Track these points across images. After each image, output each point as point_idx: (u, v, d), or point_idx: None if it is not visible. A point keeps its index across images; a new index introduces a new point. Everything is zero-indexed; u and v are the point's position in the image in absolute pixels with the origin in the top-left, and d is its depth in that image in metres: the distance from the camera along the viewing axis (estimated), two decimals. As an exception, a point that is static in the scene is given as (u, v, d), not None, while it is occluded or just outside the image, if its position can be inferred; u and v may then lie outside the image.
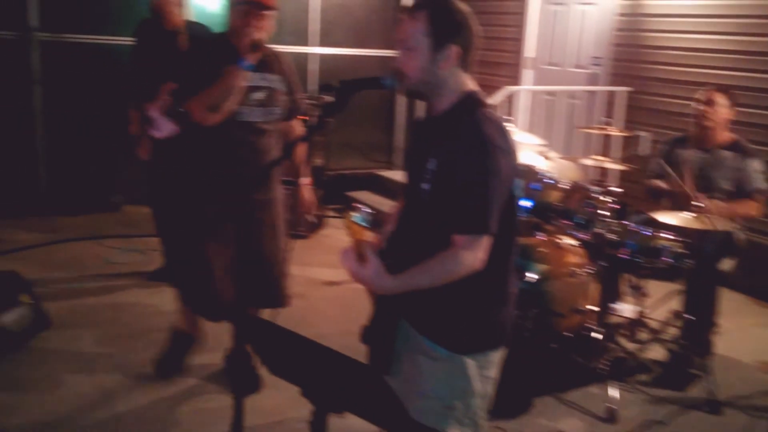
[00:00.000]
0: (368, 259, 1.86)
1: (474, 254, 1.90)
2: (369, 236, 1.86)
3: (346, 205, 6.89)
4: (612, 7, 6.11)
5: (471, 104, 1.99)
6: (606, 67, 6.22)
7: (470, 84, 2.03)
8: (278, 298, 3.38)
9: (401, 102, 7.75)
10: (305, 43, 7.19)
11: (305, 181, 3.49)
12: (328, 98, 2.23)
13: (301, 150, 3.48)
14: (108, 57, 6.28)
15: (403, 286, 1.90)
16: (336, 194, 6.88)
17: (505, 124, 2.01)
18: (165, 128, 4.21)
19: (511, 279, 2.10)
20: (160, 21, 4.53)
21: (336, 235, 6.18)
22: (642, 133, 5.57)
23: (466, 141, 1.91)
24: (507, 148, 1.94)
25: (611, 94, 6.03)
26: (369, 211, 1.77)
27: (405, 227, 2.14)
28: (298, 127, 3.46)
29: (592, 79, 6.33)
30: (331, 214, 6.61)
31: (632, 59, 5.98)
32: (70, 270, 4.98)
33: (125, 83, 4.76)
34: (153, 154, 4.45)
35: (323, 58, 7.25)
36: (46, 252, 5.31)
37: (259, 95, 3.16)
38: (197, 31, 4.47)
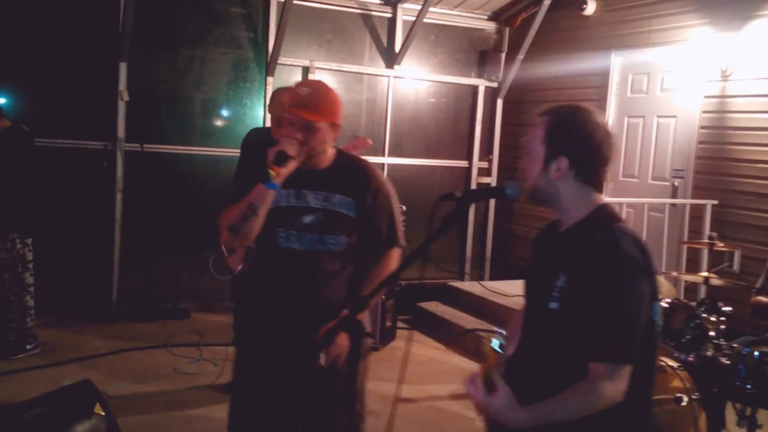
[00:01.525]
0: (498, 388, 1.68)
1: (615, 385, 1.71)
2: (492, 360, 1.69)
3: (414, 317, 6.71)
4: (694, 120, 5.99)
5: (604, 218, 1.86)
6: (688, 179, 6.05)
7: (600, 198, 1.91)
8: None
9: (472, 212, 7.67)
10: (382, 154, 7.30)
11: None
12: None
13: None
14: (184, 166, 6.49)
15: (537, 420, 1.71)
16: (406, 305, 6.71)
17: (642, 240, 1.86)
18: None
19: (651, 411, 1.89)
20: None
21: (407, 347, 5.96)
22: (736, 250, 5.31)
23: (603, 258, 1.76)
24: (648, 268, 1.78)
25: (695, 207, 5.83)
26: (504, 334, 1.61)
27: (527, 350, 1.97)
28: (393, 261, 2.74)
29: (674, 192, 6.15)
30: (402, 325, 6.42)
31: (717, 172, 5.81)
32: (140, 379, 4.87)
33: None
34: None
35: (391, 167, 7.33)
36: (116, 360, 5.23)
37: (308, 219, 2.57)
38: None
